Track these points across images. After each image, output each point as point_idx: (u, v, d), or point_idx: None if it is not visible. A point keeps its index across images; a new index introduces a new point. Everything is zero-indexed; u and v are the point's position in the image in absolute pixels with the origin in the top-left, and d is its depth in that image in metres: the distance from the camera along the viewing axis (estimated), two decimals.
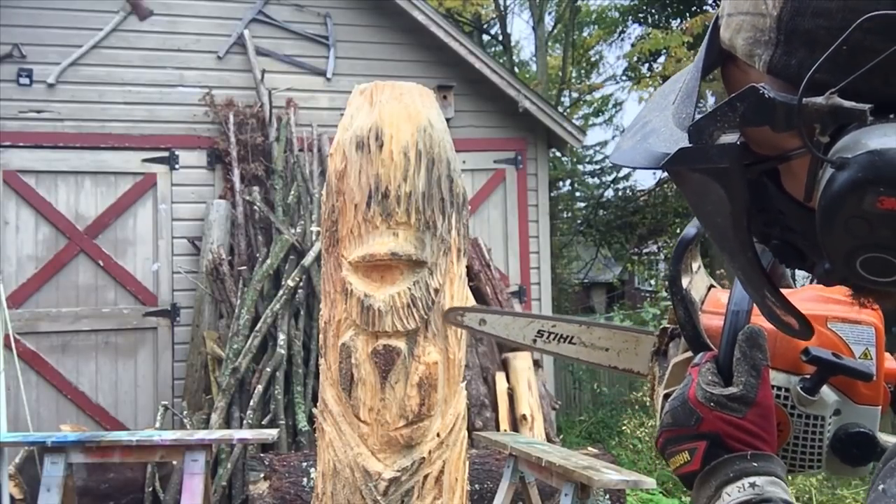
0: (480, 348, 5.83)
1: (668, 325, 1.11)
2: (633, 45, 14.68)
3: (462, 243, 2.26)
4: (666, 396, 0.96)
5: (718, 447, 0.81)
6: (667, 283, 1.04)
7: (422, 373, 2.11)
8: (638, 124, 0.74)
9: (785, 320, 0.70)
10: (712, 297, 1.01)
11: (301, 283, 5.61)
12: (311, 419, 5.08)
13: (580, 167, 21.61)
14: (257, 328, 5.39)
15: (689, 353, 0.96)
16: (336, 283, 2.16)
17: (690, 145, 0.64)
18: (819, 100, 0.56)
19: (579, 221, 16.47)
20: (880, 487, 0.61)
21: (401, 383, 2.10)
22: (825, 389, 0.89)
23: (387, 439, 2.11)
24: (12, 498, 4.48)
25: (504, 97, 6.82)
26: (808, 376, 0.88)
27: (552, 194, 13.19)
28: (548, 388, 6.40)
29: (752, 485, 0.78)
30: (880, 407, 0.91)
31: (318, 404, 2.30)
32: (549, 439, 5.59)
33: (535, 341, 1.42)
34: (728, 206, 0.64)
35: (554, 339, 1.40)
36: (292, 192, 6.04)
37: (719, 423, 0.81)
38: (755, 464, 0.80)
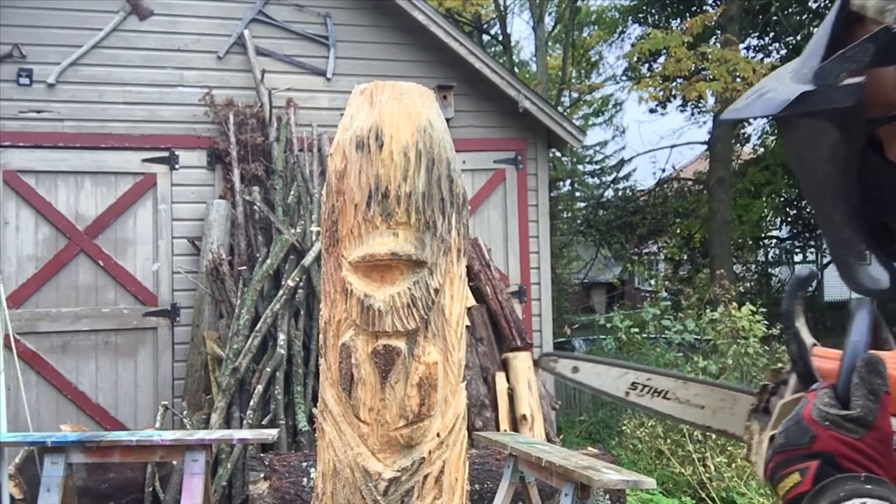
0: (480, 348, 5.83)
1: (768, 383, 1.08)
2: (633, 45, 14.67)
3: (462, 243, 2.26)
4: (772, 438, 0.95)
5: (831, 467, 0.79)
6: (782, 319, 1.03)
7: (422, 373, 2.11)
8: (751, 92, 0.79)
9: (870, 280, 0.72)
10: (820, 349, 1.00)
11: (301, 283, 5.61)
12: (311, 419, 5.08)
13: (580, 167, 21.63)
14: (257, 328, 5.38)
15: (799, 394, 0.94)
16: (336, 283, 2.16)
17: (813, 88, 0.69)
18: None
19: (579, 221, 16.47)
20: None
21: (401, 383, 2.10)
22: None
23: (387, 439, 2.11)
24: (12, 498, 4.48)
25: (504, 97, 6.82)
26: None
27: (552, 194, 13.18)
28: (548, 388, 6.40)
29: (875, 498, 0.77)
30: None
31: (318, 404, 2.30)
32: (549, 439, 5.59)
33: (627, 394, 1.37)
34: (843, 149, 0.68)
35: (648, 393, 1.35)
36: (292, 192, 6.04)
37: (834, 443, 0.79)
38: (868, 486, 0.78)
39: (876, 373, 0.81)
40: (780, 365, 1.11)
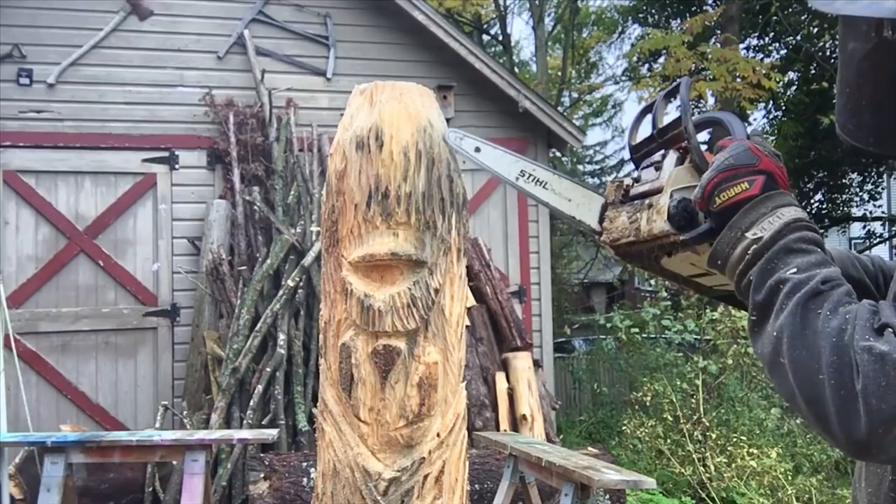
0: (480, 348, 5.83)
1: (617, 181, 1.43)
2: (632, 45, 14.67)
3: (462, 243, 2.26)
4: (671, 195, 1.23)
5: (772, 181, 1.07)
6: (679, 104, 1.26)
7: (422, 373, 2.11)
8: None
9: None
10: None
11: (301, 283, 5.61)
12: (311, 419, 5.08)
13: (580, 167, 21.62)
14: (257, 328, 5.38)
15: (689, 165, 1.22)
16: (336, 283, 2.16)
17: None
18: None
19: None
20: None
21: (401, 383, 2.10)
22: None
23: (387, 439, 2.11)
24: (12, 498, 4.48)
25: (504, 97, 6.81)
26: None
27: None
28: (548, 388, 6.40)
29: (801, 210, 1.05)
30: None
31: (318, 404, 2.30)
32: (549, 439, 5.59)
33: (517, 179, 1.69)
34: None
35: (532, 181, 1.67)
36: (292, 192, 6.03)
37: (772, 165, 1.08)
38: (795, 202, 1.07)
39: (766, 138, 1.16)
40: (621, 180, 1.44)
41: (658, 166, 1.31)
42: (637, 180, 1.37)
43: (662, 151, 1.31)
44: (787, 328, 0.94)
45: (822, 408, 0.89)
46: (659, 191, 1.27)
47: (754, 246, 1.03)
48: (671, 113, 1.31)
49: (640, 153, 1.37)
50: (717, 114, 1.24)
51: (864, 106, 0.99)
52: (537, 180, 1.66)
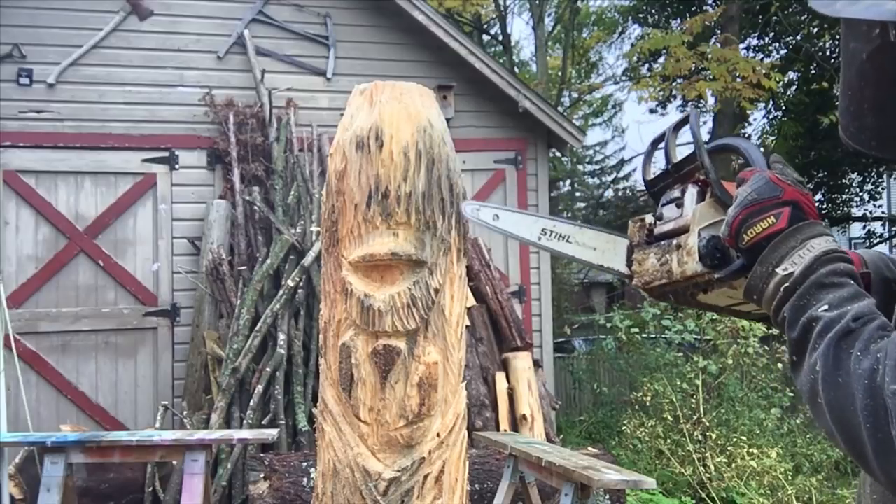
0: (480, 348, 5.83)
1: (638, 221, 1.40)
2: (632, 45, 14.66)
3: (462, 243, 2.26)
4: (698, 234, 1.22)
5: (799, 211, 1.05)
6: (693, 139, 1.25)
7: (422, 373, 2.11)
8: None
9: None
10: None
11: (301, 283, 5.61)
12: (311, 419, 5.07)
13: (580, 167, 21.63)
14: (257, 328, 5.38)
15: (712, 200, 1.20)
16: (336, 283, 2.16)
17: None
18: None
19: (579, 221, 16.47)
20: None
21: (401, 383, 2.10)
22: None
23: (387, 439, 2.11)
24: (12, 498, 4.48)
25: (504, 97, 6.81)
26: None
27: (552, 194, 13.17)
28: (548, 388, 6.40)
29: (833, 240, 1.03)
30: None
31: (318, 404, 2.30)
32: (549, 439, 5.59)
33: (539, 238, 1.67)
34: None
35: (555, 238, 1.65)
36: (292, 192, 6.03)
37: (798, 195, 1.06)
38: (827, 230, 1.05)
39: (787, 163, 1.12)
40: (644, 217, 1.42)
41: (679, 202, 1.29)
42: (659, 218, 1.35)
43: (681, 186, 1.30)
44: (821, 369, 0.93)
45: (861, 448, 0.88)
46: (685, 230, 1.25)
47: (785, 284, 1.01)
48: (683, 135, 1.31)
49: (657, 188, 1.36)
50: (731, 140, 1.22)
51: (866, 109, 0.98)
52: (560, 236, 1.65)
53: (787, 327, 1.00)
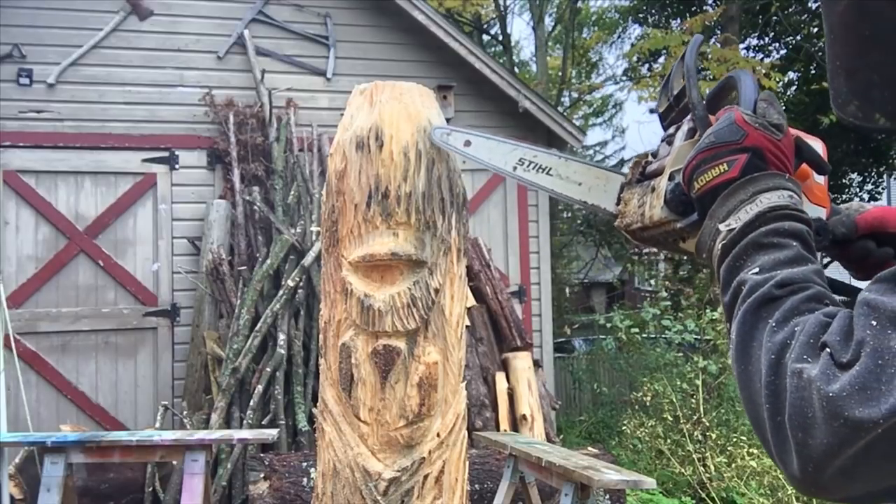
0: (480, 348, 5.83)
1: (639, 159, 1.25)
2: (632, 46, 14.66)
3: (462, 243, 2.26)
4: (671, 176, 1.10)
5: (759, 160, 0.93)
6: (684, 69, 1.12)
7: (422, 373, 2.11)
8: None
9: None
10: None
11: (301, 283, 5.61)
12: (311, 419, 5.07)
13: None
14: (257, 328, 5.38)
15: (696, 138, 1.06)
16: (336, 283, 2.16)
17: None
18: None
19: (579, 221, 16.45)
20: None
21: (401, 383, 2.10)
22: None
23: (387, 439, 2.11)
24: (12, 498, 4.48)
25: (504, 97, 6.81)
26: None
27: None
28: (548, 388, 6.40)
29: (790, 196, 0.91)
30: (825, 210, 1.11)
31: (318, 404, 2.30)
32: (549, 439, 5.59)
33: (515, 168, 1.52)
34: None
35: (533, 169, 1.50)
36: (292, 192, 6.03)
37: (763, 140, 0.93)
38: (789, 183, 0.93)
39: (776, 101, 0.99)
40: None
41: (671, 140, 1.17)
42: (654, 155, 1.23)
43: (679, 122, 1.17)
44: (735, 338, 0.82)
45: (763, 432, 0.77)
46: (663, 171, 1.14)
47: (723, 241, 0.90)
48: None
49: (666, 122, 1.21)
50: (733, 73, 1.07)
51: (839, 67, 0.83)
52: (539, 167, 1.50)
53: (721, 291, 0.89)
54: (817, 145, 1.08)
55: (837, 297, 0.86)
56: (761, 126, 0.94)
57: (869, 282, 0.75)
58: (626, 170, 1.36)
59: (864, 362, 0.68)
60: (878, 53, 0.77)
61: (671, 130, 1.17)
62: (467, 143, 1.66)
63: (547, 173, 1.48)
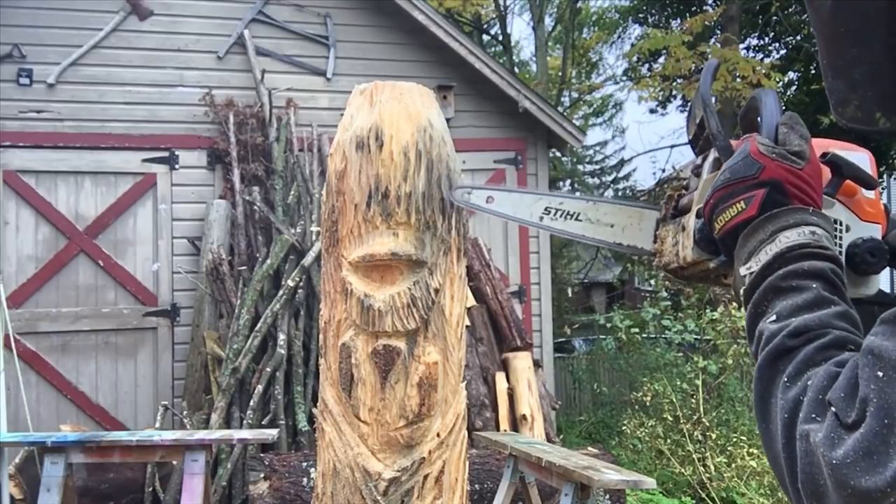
0: (480, 348, 5.83)
1: (672, 193, 1.18)
2: (632, 46, 14.66)
3: (462, 243, 2.26)
4: (698, 214, 1.02)
5: (779, 194, 0.86)
6: (700, 100, 1.06)
7: (422, 373, 2.11)
8: None
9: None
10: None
11: (301, 283, 5.61)
12: (311, 419, 5.07)
13: (580, 167, 21.61)
14: (257, 328, 5.38)
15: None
16: (336, 283, 2.16)
17: None
18: None
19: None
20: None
21: (401, 383, 2.10)
22: (836, 206, 0.96)
23: (387, 439, 2.11)
24: (12, 498, 4.48)
25: (504, 97, 6.81)
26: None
27: None
28: (548, 388, 6.40)
29: (813, 232, 0.83)
30: (881, 225, 0.98)
31: (318, 404, 2.30)
32: (549, 439, 5.59)
33: (542, 219, 1.44)
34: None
35: (561, 217, 1.42)
36: (292, 192, 6.03)
37: (781, 172, 0.86)
38: (814, 217, 0.85)
39: (799, 123, 0.91)
40: (679, 176, 1.19)
41: (698, 171, 1.10)
42: (686, 188, 1.16)
43: (706, 152, 1.11)
44: (755, 395, 0.78)
45: (785, 489, 0.74)
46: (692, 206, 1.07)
47: (744, 287, 0.85)
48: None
49: (697, 150, 1.14)
50: (756, 93, 1.00)
51: (825, 66, 0.79)
52: (567, 214, 1.42)
53: (748, 339, 0.84)
54: (861, 157, 0.99)
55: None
56: (779, 156, 0.87)
57: (876, 323, 0.70)
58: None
59: (870, 424, 0.64)
60: (856, 50, 0.74)
61: (698, 161, 1.11)
62: (489, 199, 1.60)
63: (576, 219, 1.41)
